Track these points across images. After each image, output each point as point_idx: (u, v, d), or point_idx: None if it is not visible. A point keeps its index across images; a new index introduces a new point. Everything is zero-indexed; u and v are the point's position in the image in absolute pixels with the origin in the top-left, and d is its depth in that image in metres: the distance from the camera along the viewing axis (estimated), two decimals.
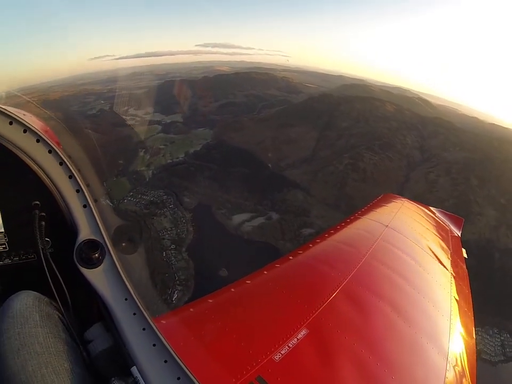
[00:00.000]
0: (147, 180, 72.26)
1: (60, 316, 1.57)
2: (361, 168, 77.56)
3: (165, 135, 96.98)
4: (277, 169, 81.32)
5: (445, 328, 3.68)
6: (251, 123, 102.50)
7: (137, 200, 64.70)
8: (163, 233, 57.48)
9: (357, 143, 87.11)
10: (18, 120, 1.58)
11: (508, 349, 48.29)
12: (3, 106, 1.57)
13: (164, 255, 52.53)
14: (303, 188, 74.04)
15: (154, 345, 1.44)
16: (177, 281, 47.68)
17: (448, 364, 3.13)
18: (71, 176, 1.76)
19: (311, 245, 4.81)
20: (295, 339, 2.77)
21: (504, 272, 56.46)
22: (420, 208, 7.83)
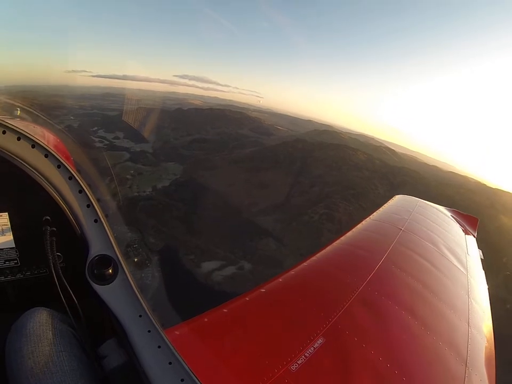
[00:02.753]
0: (111, 212, 66.93)
1: (73, 332, 1.54)
2: (337, 218, 74.84)
3: (133, 164, 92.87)
4: (249, 214, 78.65)
5: (464, 333, 3.57)
6: (223, 162, 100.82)
7: None
8: None
9: (331, 192, 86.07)
10: (26, 136, 1.55)
11: None
12: (10, 122, 1.51)
13: None
14: (275, 236, 71.00)
15: (170, 363, 1.45)
16: None
17: (467, 370, 3.05)
18: (81, 191, 1.72)
19: (325, 250, 4.56)
20: (312, 348, 2.72)
21: None
22: (434, 208, 7.79)
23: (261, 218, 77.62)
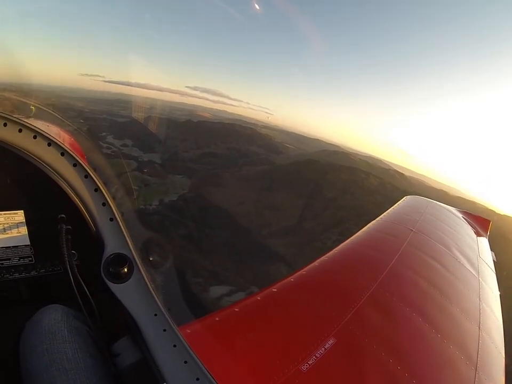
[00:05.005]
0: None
1: (88, 329, 1.56)
2: None
3: (140, 175, 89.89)
4: (259, 236, 75.67)
5: (474, 337, 3.55)
6: (232, 180, 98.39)
7: None
8: None
9: (345, 218, 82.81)
10: (42, 134, 1.57)
11: None
12: (26, 120, 1.54)
13: None
14: (287, 261, 67.18)
15: (185, 362, 1.46)
16: None
17: (477, 375, 3.03)
18: (96, 189, 1.73)
19: (336, 250, 4.55)
20: (323, 349, 2.72)
21: None
22: (446, 210, 7.82)
23: (272, 241, 74.32)
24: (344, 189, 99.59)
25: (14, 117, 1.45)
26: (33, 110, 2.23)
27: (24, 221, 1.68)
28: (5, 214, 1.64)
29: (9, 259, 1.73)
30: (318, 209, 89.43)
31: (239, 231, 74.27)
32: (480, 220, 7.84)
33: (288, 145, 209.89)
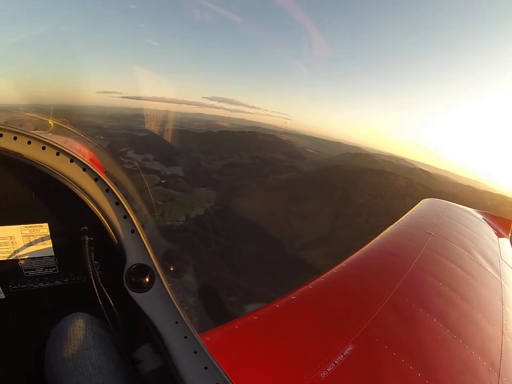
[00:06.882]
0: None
1: (111, 336, 1.61)
2: None
3: (164, 189, 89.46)
4: (293, 249, 73.53)
5: (497, 342, 3.41)
6: (259, 190, 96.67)
7: None
8: None
9: (378, 224, 79.18)
10: (65, 151, 1.66)
11: None
12: (49, 138, 1.64)
13: None
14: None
15: (205, 368, 1.50)
16: None
17: (500, 380, 2.92)
18: (117, 203, 1.79)
19: (354, 256, 4.40)
20: (342, 355, 2.68)
21: None
22: (465, 211, 7.69)
23: (306, 253, 72.31)
24: (373, 194, 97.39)
25: (37, 136, 1.54)
26: (55, 128, 2.46)
27: (48, 233, 1.75)
28: (30, 226, 1.71)
29: (34, 269, 1.81)
30: (349, 216, 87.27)
31: (271, 244, 72.32)
32: (501, 221, 7.62)
33: (310, 151, 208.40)
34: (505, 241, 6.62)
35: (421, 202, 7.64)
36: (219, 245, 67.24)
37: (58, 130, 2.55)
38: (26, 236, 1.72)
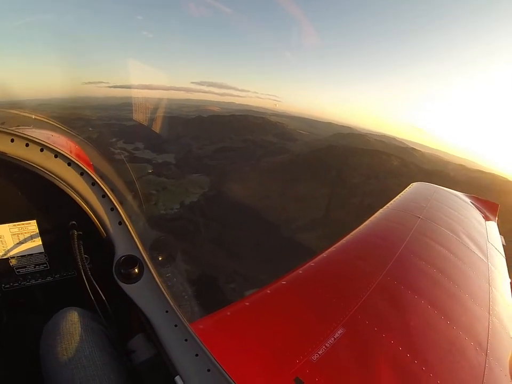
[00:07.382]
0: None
1: (103, 329, 1.63)
2: None
3: (156, 178, 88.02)
4: (289, 231, 73.09)
5: (484, 322, 3.54)
6: (253, 173, 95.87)
7: None
8: None
9: (373, 203, 78.84)
10: (48, 147, 1.66)
11: None
12: (32, 134, 1.64)
13: None
14: None
15: (196, 355, 1.53)
16: None
17: (487, 360, 3.03)
18: (104, 196, 1.82)
19: (343, 240, 4.49)
20: (332, 339, 2.76)
21: None
22: (453, 195, 7.85)
23: (302, 236, 71.71)
24: (367, 174, 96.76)
25: (20, 133, 1.54)
26: (39, 123, 2.46)
27: (37, 230, 1.76)
28: (18, 225, 1.72)
29: (25, 267, 1.82)
30: (344, 197, 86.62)
31: (267, 227, 71.73)
32: (489, 204, 7.87)
33: (301, 132, 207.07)
34: (492, 224, 6.83)
35: (410, 186, 7.76)
36: (214, 231, 66.58)
37: (41, 126, 2.52)
38: (15, 234, 1.73)
